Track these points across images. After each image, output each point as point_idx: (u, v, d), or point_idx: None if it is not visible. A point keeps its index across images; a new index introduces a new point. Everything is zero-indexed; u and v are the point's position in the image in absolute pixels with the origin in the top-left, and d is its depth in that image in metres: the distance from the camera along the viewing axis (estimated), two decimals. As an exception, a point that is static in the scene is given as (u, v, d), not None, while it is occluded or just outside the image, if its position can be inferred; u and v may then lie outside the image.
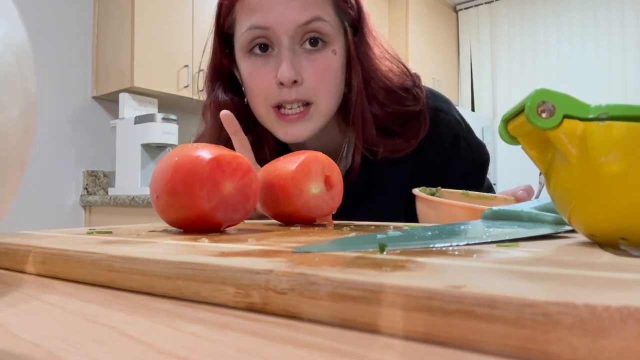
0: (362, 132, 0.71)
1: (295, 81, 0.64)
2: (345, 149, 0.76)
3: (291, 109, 0.66)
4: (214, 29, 0.72)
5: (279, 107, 0.67)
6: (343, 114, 0.73)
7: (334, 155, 0.75)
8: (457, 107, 0.81)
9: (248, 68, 0.68)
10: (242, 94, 0.74)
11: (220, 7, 0.70)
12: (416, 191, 0.57)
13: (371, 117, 0.70)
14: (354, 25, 0.71)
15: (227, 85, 0.75)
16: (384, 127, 0.72)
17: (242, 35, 0.66)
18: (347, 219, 0.59)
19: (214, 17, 0.72)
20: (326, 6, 0.66)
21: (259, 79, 0.67)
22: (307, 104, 0.67)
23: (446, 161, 0.75)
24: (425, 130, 0.72)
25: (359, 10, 0.71)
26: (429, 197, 0.55)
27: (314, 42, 0.65)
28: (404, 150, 0.72)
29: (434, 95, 0.77)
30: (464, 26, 4.20)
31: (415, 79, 0.74)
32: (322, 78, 0.66)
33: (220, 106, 0.73)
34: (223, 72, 0.74)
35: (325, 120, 0.69)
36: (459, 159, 0.75)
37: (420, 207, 0.57)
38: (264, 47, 0.66)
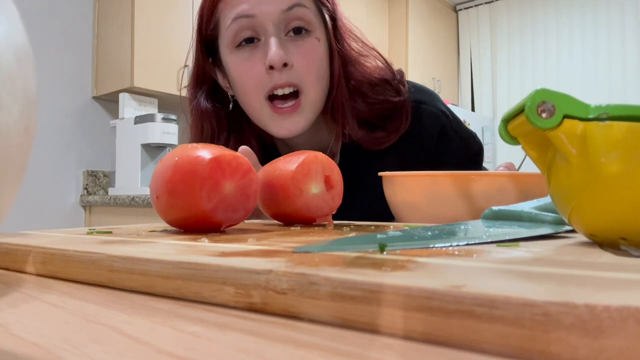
0: (342, 121, 0.72)
1: (285, 64, 0.65)
2: (333, 147, 0.78)
3: (283, 95, 0.67)
4: (196, 37, 0.73)
5: (272, 99, 0.68)
6: (329, 112, 0.74)
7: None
8: (441, 99, 0.81)
9: (237, 61, 0.68)
10: (224, 101, 0.75)
11: (201, 12, 0.71)
12: (382, 173, 0.58)
13: (351, 108, 0.72)
14: (332, 18, 0.72)
15: (209, 92, 0.75)
16: (366, 120, 0.73)
17: (228, 29, 0.67)
18: (341, 214, 0.60)
19: (196, 25, 0.73)
20: None
21: (249, 68, 0.67)
22: (297, 94, 0.68)
23: (436, 152, 0.75)
24: (407, 124, 0.73)
25: (333, 3, 0.73)
26: (392, 173, 0.56)
27: (297, 30, 0.67)
28: (384, 143, 0.73)
29: (416, 89, 0.77)
30: (464, 26, 4.20)
31: (397, 73, 0.76)
32: (310, 62, 0.68)
33: (202, 113, 0.74)
34: (206, 80, 0.75)
35: (315, 112, 0.70)
36: (449, 150, 0.76)
37: (387, 192, 0.58)
38: (250, 40, 0.67)
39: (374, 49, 0.76)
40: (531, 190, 0.51)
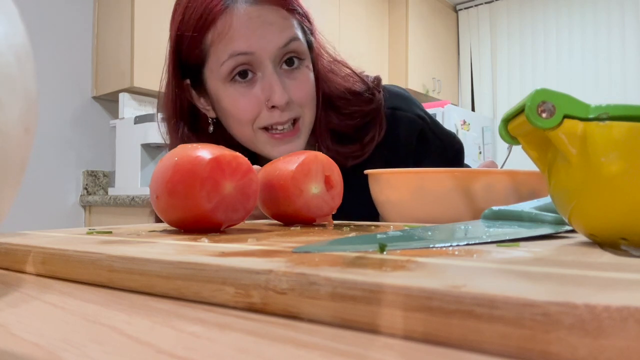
0: (318, 135, 0.73)
1: (287, 103, 0.66)
2: None
3: (282, 128, 0.68)
4: (171, 58, 0.70)
5: (266, 127, 0.68)
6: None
7: None
8: (419, 102, 0.82)
9: (231, 96, 0.67)
10: (202, 126, 0.75)
11: (179, 36, 0.67)
12: (368, 171, 0.59)
13: (325, 122, 0.72)
14: (311, 35, 0.73)
15: (190, 120, 0.74)
16: (341, 133, 0.74)
17: (223, 65, 0.65)
18: (344, 209, 0.61)
19: (170, 50, 0.70)
20: (296, 25, 0.68)
21: (246, 104, 0.67)
22: (294, 120, 0.69)
23: (416, 156, 0.76)
24: (381, 134, 0.74)
25: (311, 23, 0.73)
26: (378, 171, 0.57)
27: (290, 61, 0.67)
28: (361, 157, 0.73)
29: (392, 95, 0.78)
30: (464, 26, 4.20)
31: (370, 81, 0.76)
32: (305, 93, 0.69)
33: (186, 141, 0.73)
34: (184, 107, 0.73)
35: (310, 131, 0.71)
36: (429, 152, 0.76)
37: (373, 189, 0.58)
38: (244, 73, 0.66)
39: (342, 63, 0.77)
40: (519, 187, 0.51)
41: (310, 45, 0.71)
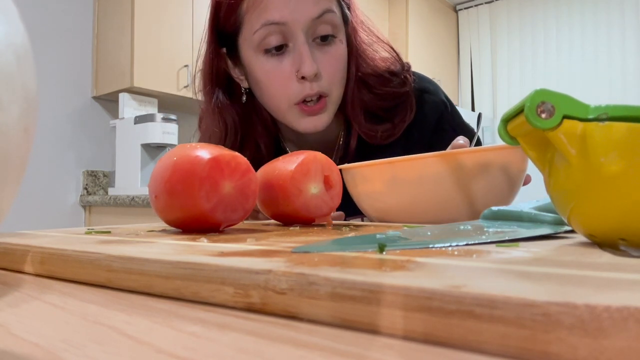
0: (350, 113, 0.73)
1: (315, 74, 0.66)
2: (342, 138, 0.78)
3: (311, 100, 0.68)
4: (209, 25, 0.72)
5: (298, 102, 0.68)
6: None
7: (331, 145, 0.78)
8: (444, 91, 0.83)
9: (264, 67, 0.68)
10: (237, 94, 0.75)
11: (217, 6, 0.69)
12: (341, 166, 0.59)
13: (359, 100, 0.73)
14: (348, 9, 0.73)
15: (225, 88, 0.75)
16: (372, 112, 0.74)
17: (255, 33, 0.66)
18: (344, 208, 0.61)
19: (209, 17, 0.71)
20: None
21: (278, 77, 0.67)
22: (320, 96, 0.69)
23: (430, 143, 0.76)
24: (412, 115, 0.75)
25: None
26: (346, 165, 0.57)
27: (324, 37, 0.67)
28: (392, 136, 0.74)
29: (420, 78, 0.79)
30: (464, 26, 4.20)
31: (405, 64, 0.77)
32: (335, 69, 0.69)
33: (225, 110, 0.74)
34: (220, 75, 0.74)
35: (336, 108, 0.72)
36: (443, 141, 0.77)
37: (346, 180, 0.58)
38: (279, 47, 0.67)
39: (384, 40, 0.77)
40: (490, 165, 0.50)
41: (345, 19, 0.71)
